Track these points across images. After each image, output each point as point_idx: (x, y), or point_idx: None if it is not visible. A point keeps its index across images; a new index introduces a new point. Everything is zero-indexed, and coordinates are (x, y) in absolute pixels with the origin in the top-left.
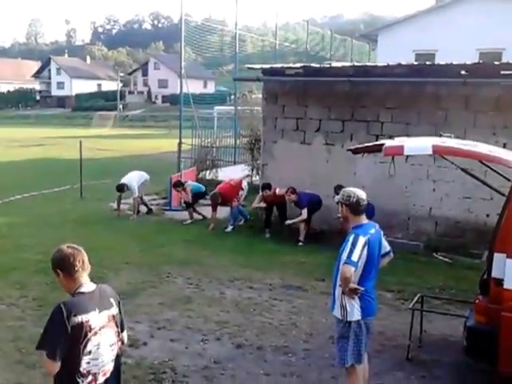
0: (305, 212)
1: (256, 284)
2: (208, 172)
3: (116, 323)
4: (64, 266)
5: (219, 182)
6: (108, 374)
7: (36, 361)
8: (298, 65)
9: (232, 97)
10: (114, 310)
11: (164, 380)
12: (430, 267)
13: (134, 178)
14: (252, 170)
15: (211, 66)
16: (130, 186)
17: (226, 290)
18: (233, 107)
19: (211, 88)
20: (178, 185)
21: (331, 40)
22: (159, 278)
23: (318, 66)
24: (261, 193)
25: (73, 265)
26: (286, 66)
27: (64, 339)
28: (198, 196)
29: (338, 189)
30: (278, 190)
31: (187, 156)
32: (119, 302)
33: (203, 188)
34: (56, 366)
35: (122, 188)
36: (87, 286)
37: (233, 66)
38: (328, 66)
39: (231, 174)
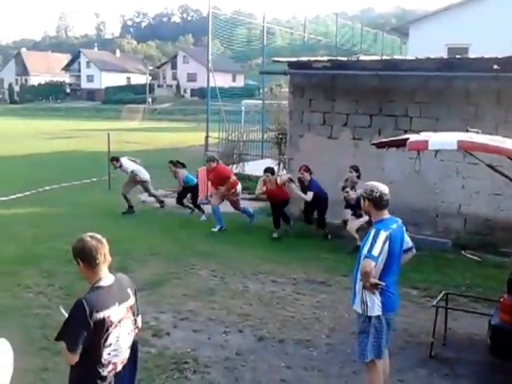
0: (310, 194)
1: (279, 278)
2: (235, 166)
3: (133, 312)
4: (86, 257)
5: (246, 177)
6: (125, 361)
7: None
8: (325, 58)
9: (260, 91)
10: (132, 301)
11: (186, 370)
12: (458, 265)
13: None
14: (279, 165)
15: (240, 60)
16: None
17: (249, 283)
18: (260, 101)
19: (240, 82)
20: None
21: (361, 33)
22: (184, 269)
23: (345, 59)
24: (263, 177)
25: (95, 258)
26: (312, 59)
27: (85, 334)
28: (187, 189)
29: (353, 168)
30: (279, 180)
31: (214, 150)
32: (135, 291)
33: (195, 181)
34: (75, 358)
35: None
36: (106, 279)
37: (261, 59)
38: (356, 59)
39: (258, 168)
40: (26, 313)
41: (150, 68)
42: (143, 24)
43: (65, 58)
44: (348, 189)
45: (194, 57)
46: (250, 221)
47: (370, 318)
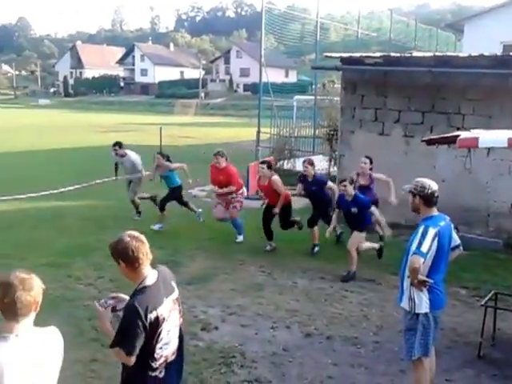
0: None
1: (328, 275)
2: (286, 162)
3: (179, 304)
4: (127, 259)
5: (297, 173)
6: (175, 352)
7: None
8: (378, 54)
9: (313, 86)
10: (176, 293)
11: (233, 364)
12: (509, 265)
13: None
14: (330, 161)
15: (293, 55)
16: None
17: (297, 279)
18: (313, 97)
19: (293, 77)
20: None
21: (416, 29)
22: (232, 264)
23: (398, 55)
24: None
25: (137, 258)
26: (365, 55)
27: (142, 337)
28: (172, 191)
29: (367, 158)
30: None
31: (265, 145)
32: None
33: (179, 182)
34: (133, 359)
35: None
36: (150, 276)
37: (314, 54)
38: (408, 55)
39: None
40: (77, 304)
41: (204, 62)
42: (197, 18)
43: (119, 52)
44: (347, 182)
45: (248, 52)
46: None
47: (417, 315)
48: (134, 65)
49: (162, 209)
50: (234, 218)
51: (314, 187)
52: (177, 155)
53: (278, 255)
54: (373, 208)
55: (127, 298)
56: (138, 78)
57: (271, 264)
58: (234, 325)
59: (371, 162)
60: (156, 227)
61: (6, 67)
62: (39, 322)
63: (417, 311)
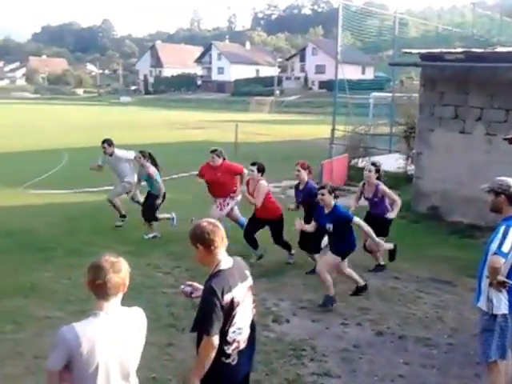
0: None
1: (402, 275)
2: (360, 160)
3: (252, 293)
4: (204, 241)
5: None
6: (247, 340)
7: (186, 325)
8: (459, 50)
9: (390, 83)
10: (250, 281)
11: (303, 357)
12: None
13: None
14: (407, 160)
15: (370, 52)
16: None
17: (370, 277)
18: (390, 94)
19: (369, 74)
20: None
21: (500, 24)
22: (304, 260)
23: (480, 50)
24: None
25: (213, 240)
26: (445, 50)
27: (221, 317)
28: (153, 197)
29: (374, 166)
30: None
31: (340, 143)
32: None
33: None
34: (216, 342)
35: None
36: (225, 261)
37: (392, 51)
38: (492, 50)
39: (385, 162)
40: (156, 291)
41: (279, 60)
42: (274, 16)
43: (197, 51)
44: (325, 190)
45: (323, 48)
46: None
47: (495, 316)
48: (211, 63)
49: (154, 219)
50: (234, 219)
51: (304, 197)
52: (252, 152)
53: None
54: (356, 220)
55: (201, 287)
56: (215, 77)
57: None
58: (305, 319)
59: (377, 171)
60: (150, 235)
61: (90, 66)
62: (122, 305)
63: (495, 312)
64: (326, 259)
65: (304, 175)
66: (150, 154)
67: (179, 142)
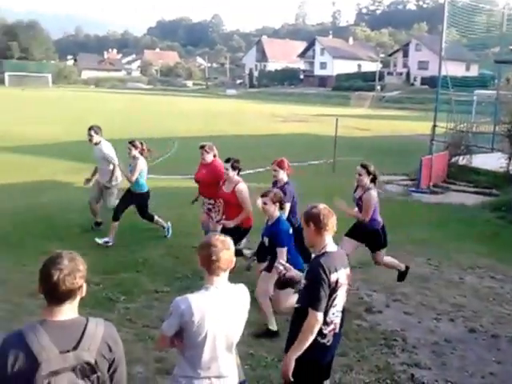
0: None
1: (499, 275)
2: (461, 158)
3: (349, 281)
4: (317, 221)
5: (472, 169)
6: (339, 324)
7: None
8: None
9: (495, 81)
10: (349, 269)
11: (394, 347)
12: None
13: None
14: (509, 159)
15: (475, 48)
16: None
17: (465, 275)
18: (495, 92)
19: (474, 71)
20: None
21: None
22: (399, 254)
23: None
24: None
25: (325, 224)
26: None
27: (327, 294)
28: (139, 197)
29: (363, 167)
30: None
31: (441, 140)
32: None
33: (146, 188)
34: (321, 318)
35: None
36: (331, 245)
37: (499, 48)
38: None
39: (487, 161)
40: (254, 273)
41: (382, 56)
42: (378, 11)
43: (300, 46)
44: (268, 198)
45: (427, 45)
46: None
47: None
48: (313, 58)
49: (150, 219)
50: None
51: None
52: (353, 146)
53: (446, 248)
54: (282, 250)
55: (294, 270)
56: (317, 71)
57: (438, 257)
58: (398, 311)
59: (369, 173)
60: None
61: (200, 60)
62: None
63: None
64: (262, 282)
65: (282, 175)
66: (141, 144)
67: (280, 134)
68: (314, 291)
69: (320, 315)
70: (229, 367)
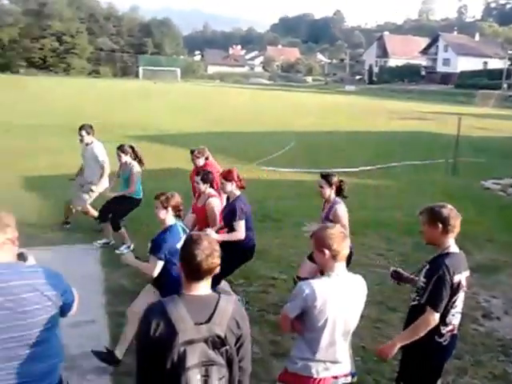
0: (239, 226)
1: None
2: None
3: (467, 285)
4: (445, 222)
5: None
6: (457, 327)
7: (395, 305)
8: None
9: None
10: (468, 273)
11: None
12: None
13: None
14: None
15: None
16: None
17: None
18: None
19: None
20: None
21: None
22: None
23: None
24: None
25: (453, 226)
26: None
27: (448, 295)
28: (130, 202)
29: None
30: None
31: None
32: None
33: (140, 195)
34: (437, 321)
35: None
36: (454, 246)
37: None
38: None
39: None
40: (369, 269)
41: (510, 52)
42: (508, 6)
43: (423, 42)
44: (158, 202)
45: None
46: None
47: None
48: (436, 54)
49: (116, 227)
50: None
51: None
52: (472, 146)
53: None
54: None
55: None
56: (440, 68)
57: None
58: None
59: (331, 184)
60: (122, 249)
61: (320, 56)
62: None
63: None
64: (140, 300)
65: (230, 187)
66: (132, 148)
67: (398, 131)
68: (437, 291)
69: (437, 316)
70: (344, 354)
